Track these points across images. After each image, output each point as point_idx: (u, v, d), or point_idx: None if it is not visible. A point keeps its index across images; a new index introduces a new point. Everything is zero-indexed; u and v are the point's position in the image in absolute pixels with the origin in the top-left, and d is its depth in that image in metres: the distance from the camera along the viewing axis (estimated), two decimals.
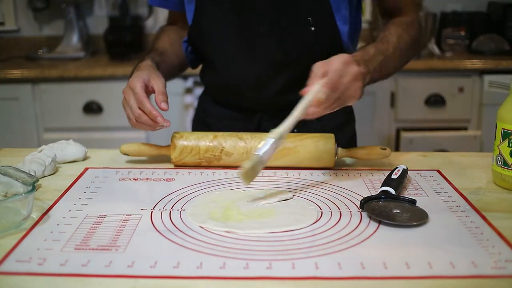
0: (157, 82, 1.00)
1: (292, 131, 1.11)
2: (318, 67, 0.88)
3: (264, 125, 1.21)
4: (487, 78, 2.38)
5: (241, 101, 1.21)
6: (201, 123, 1.30)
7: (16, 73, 2.37)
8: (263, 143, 0.84)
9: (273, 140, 0.84)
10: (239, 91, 1.18)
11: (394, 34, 1.08)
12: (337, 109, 0.90)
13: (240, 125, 1.19)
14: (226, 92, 1.23)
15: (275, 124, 1.19)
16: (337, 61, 0.87)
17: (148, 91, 1.00)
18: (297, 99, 1.17)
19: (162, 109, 0.97)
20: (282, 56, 1.13)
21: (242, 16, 1.12)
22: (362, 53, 0.99)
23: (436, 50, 2.56)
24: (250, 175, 0.83)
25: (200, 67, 1.31)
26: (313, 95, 0.85)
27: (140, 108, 0.97)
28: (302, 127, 1.21)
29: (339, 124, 1.22)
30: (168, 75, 1.17)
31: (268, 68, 1.14)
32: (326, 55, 1.17)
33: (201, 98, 1.35)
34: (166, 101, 0.98)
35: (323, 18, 1.11)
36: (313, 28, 1.11)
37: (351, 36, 1.18)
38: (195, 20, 1.17)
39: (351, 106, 1.28)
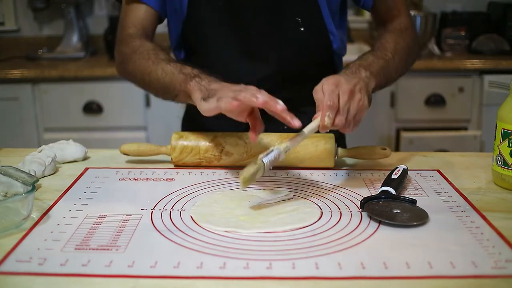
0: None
1: (283, 129, 1.11)
2: (317, 93, 0.88)
3: None
4: (487, 78, 2.38)
5: None
6: (192, 122, 1.28)
7: (16, 73, 2.37)
8: (268, 151, 0.84)
9: (279, 150, 0.84)
10: None
11: (390, 41, 1.08)
12: (357, 125, 0.88)
13: (232, 123, 1.18)
14: None
15: (266, 121, 1.19)
16: (326, 86, 0.86)
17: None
18: (290, 97, 1.17)
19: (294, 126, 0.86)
20: (275, 56, 1.14)
21: (236, 17, 1.12)
22: (360, 61, 0.99)
23: (436, 50, 2.56)
24: (249, 180, 0.83)
25: None
26: (318, 122, 0.85)
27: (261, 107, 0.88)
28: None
29: None
30: None
31: (261, 68, 1.14)
32: (317, 56, 1.17)
33: None
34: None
35: (312, 19, 1.12)
36: (302, 29, 1.12)
37: (341, 37, 1.18)
38: (189, 20, 1.16)
39: None
